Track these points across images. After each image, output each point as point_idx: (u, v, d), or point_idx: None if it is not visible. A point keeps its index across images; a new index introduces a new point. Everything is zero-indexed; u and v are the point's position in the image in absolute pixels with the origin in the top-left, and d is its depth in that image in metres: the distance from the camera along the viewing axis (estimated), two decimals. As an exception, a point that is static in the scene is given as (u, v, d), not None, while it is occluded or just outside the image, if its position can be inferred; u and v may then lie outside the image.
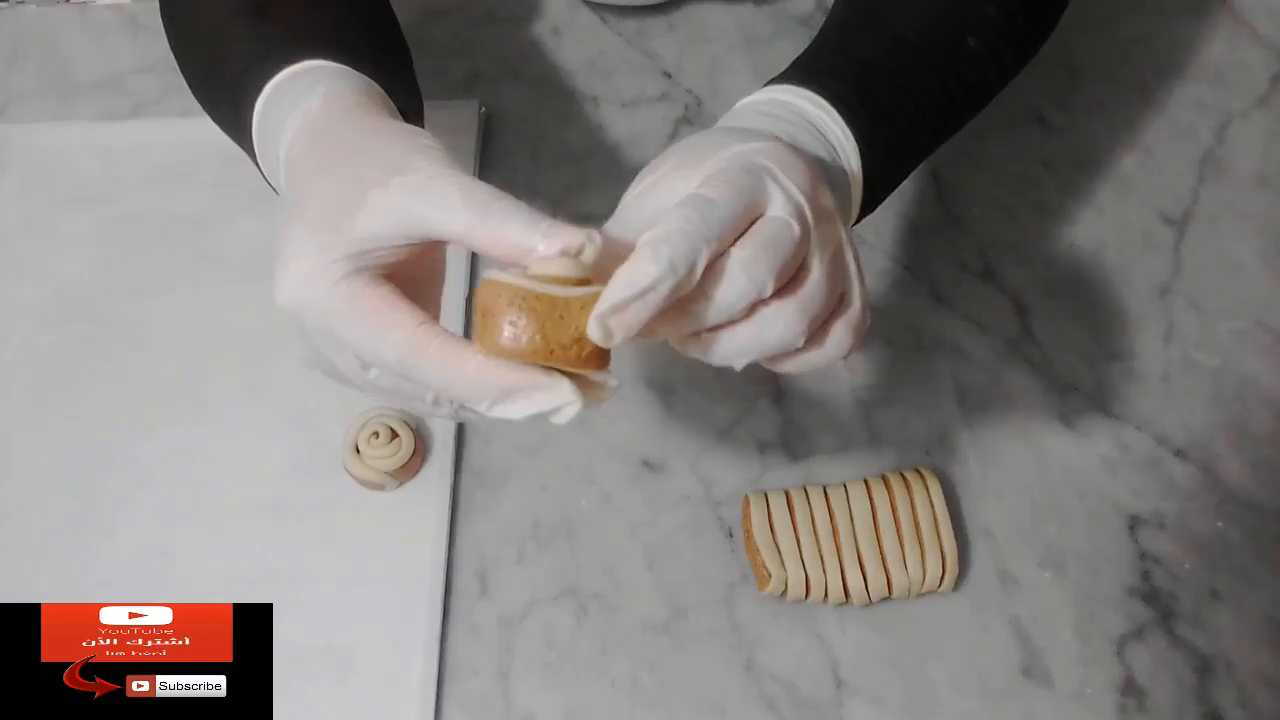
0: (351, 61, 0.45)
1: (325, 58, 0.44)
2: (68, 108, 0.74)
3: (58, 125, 0.73)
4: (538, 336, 0.33)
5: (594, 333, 0.34)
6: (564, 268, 0.34)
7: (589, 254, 0.35)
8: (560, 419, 0.35)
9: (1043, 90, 0.73)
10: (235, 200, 0.69)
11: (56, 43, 0.76)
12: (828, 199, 0.39)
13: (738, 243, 0.36)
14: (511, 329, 0.34)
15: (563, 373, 0.35)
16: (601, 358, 0.35)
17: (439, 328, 0.36)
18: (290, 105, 0.43)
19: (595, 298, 0.34)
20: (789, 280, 0.37)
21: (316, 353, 0.39)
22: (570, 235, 0.35)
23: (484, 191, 0.36)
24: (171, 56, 0.75)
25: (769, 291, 0.36)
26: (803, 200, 0.37)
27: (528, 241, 0.35)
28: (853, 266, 0.39)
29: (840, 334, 0.39)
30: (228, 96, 0.47)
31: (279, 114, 0.43)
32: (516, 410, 0.35)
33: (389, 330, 0.36)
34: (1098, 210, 0.70)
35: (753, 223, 0.36)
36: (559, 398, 0.35)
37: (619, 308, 0.34)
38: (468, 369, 0.35)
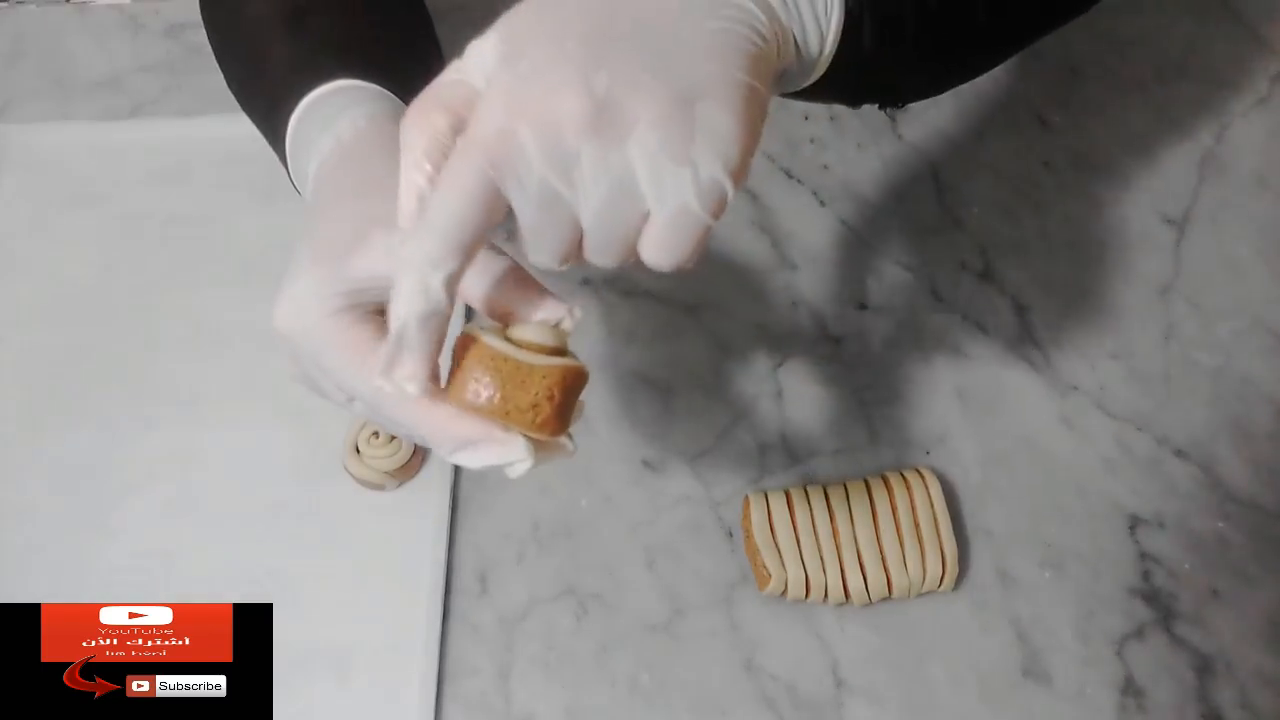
0: (387, 82, 0.45)
1: (362, 77, 0.45)
2: (68, 108, 0.74)
3: (58, 125, 0.73)
4: (497, 397, 0.35)
5: (389, 389, 0.35)
6: (540, 335, 0.37)
7: (568, 326, 0.37)
8: (513, 473, 0.37)
9: (1043, 90, 0.73)
10: (235, 200, 0.69)
11: (56, 43, 0.76)
12: (575, 108, 0.32)
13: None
14: (475, 385, 0.35)
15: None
16: (558, 423, 0.36)
17: None
18: (323, 125, 0.43)
19: (558, 369, 0.36)
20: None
21: (305, 374, 0.40)
22: (551, 308, 0.37)
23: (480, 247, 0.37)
24: (171, 57, 0.75)
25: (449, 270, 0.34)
26: (546, 170, 0.33)
27: (511, 306, 0.37)
28: (642, 174, 0.33)
29: (649, 251, 0.34)
30: (263, 103, 0.47)
31: (312, 131, 0.44)
32: (474, 460, 0.37)
33: (365, 367, 0.37)
34: (1098, 210, 0.70)
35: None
36: (512, 454, 0.36)
37: (390, 364, 0.35)
38: (433, 416, 0.36)
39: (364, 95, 0.44)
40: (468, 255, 0.34)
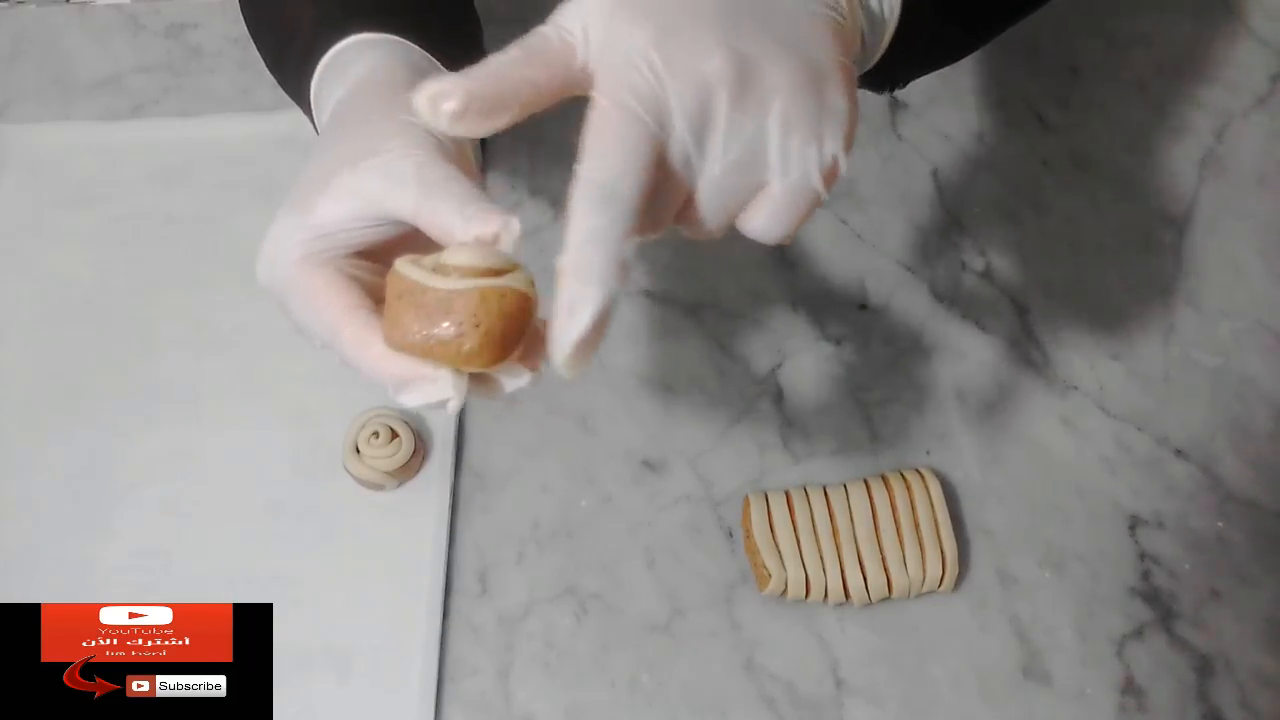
0: (413, 35, 0.44)
1: (382, 29, 0.43)
2: (68, 108, 0.74)
3: (58, 125, 0.73)
4: (419, 332, 0.33)
5: (569, 374, 0.33)
6: (472, 256, 0.33)
7: (505, 243, 0.34)
8: (449, 410, 0.35)
9: (1043, 90, 0.73)
10: (235, 200, 0.69)
11: (56, 43, 0.76)
12: (724, 69, 0.33)
13: None
14: (393, 322, 0.33)
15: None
16: (493, 352, 0.33)
17: (361, 314, 0.36)
18: (333, 80, 0.43)
19: (476, 293, 0.32)
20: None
21: (292, 323, 0.39)
22: (488, 222, 0.34)
23: (438, 171, 0.36)
24: (171, 57, 0.75)
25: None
26: (684, 132, 0.33)
27: (451, 224, 0.35)
28: (773, 144, 0.34)
29: (760, 221, 0.35)
30: (294, 77, 0.46)
31: (328, 89, 0.43)
32: (410, 399, 0.35)
33: (320, 312, 0.36)
34: (1098, 210, 0.70)
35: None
36: (440, 392, 0.34)
37: (581, 346, 0.32)
38: (370, 357, 0.35)
39: (376, 44, 0.43)
40: (637, 224, 0.32)
